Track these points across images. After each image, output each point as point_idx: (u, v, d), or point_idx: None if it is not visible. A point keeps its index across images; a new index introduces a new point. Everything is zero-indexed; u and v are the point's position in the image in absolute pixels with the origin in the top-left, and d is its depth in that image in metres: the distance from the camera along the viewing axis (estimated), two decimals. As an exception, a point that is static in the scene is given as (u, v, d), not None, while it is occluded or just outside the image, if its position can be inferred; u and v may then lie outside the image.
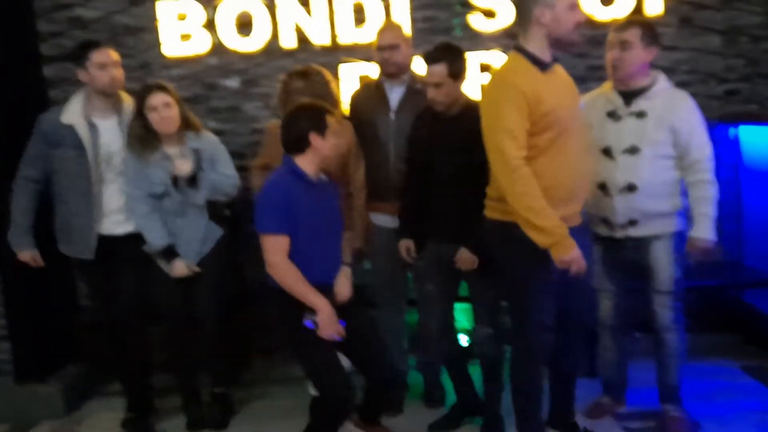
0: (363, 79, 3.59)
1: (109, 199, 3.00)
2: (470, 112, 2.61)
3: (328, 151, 2.61)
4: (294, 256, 2.58)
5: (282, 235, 2.56)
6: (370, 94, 3.12)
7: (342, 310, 2.64)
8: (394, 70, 3.02)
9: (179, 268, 2.98)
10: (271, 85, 3.75)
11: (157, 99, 2.89)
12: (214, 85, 3.82)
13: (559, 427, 2.75)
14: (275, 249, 2.56)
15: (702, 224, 2.68)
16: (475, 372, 2.96)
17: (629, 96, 2.74)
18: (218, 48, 3.74)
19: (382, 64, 3.05)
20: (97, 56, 2.92)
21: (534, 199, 2.27)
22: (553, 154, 2.34)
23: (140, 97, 2.92)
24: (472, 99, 2.80)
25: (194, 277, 3.02)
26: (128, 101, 3.06)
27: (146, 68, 3.76)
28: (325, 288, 2.62)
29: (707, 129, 2.74)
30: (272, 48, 3.74)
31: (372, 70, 3.53)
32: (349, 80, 3.65)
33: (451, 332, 3.00)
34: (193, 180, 2.96)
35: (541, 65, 2.37)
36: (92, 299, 3.15)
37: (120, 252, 3.04)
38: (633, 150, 2.69)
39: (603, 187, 2.74)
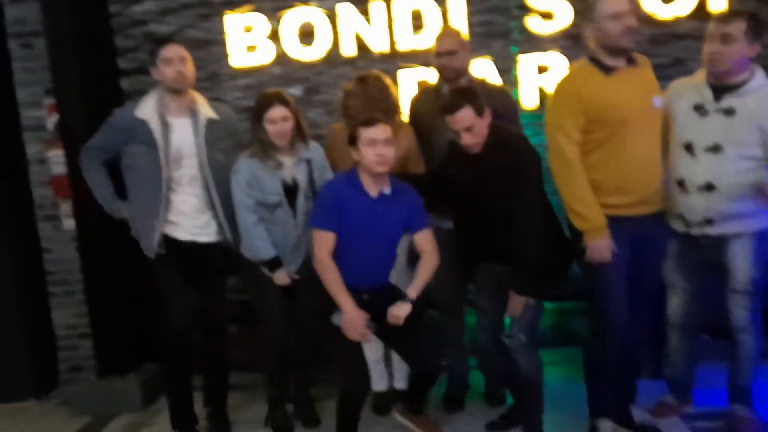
0: (421, 84, 3.66)
1: (181, 203, 3.03)
2: (495, 144, 2.70)
3: (366, 161, 2.70)
4: (335, 256, 2.72)
5: (327, 231, 2.70)
6: (429, 98, 3.17)
7: (383, 311, 2.74)
8: (453, 75, 3.07)
9: (283, 277, 3.02)
10: (332, 92, 3.88)
11: (276, 112, 2.93)
12: (277, 94, 3.97)
13: (617, 418, 2.79)
14: (320, 244, 2.71)
15: None
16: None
17: (720, 91, 2.62)
18: (282, 58, 3.89)
19: (441, 70, 3.11)
20: (164, 52, 2.97)
21: (578, 188, 2.58)
22: (610, 149, 2.58)
23: (260, 106, 2.97)
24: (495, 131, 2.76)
25: (295, 285, 3.05)
26: (204, 104, 3.09)
27: (214, 79, 3.94)
28: (360, 291, 2.74)
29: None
30: (333, 56, 3.87)
31: (430, 75, 3.60)
32: (408, 86, 3.73)
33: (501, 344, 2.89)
34: (296, 191, 2.99)
35: (605, 69, 2.58)
36: (160, 302, 3.13)
37: (201, 260, 3.09)
38: (716, 148, 2.59)
39: (681, 183, 2.67)
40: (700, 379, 3.02)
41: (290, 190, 3.00)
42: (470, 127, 2.67)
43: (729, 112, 2.58)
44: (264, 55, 3.88)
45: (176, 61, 2.97)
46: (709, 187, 2.61)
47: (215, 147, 3.04)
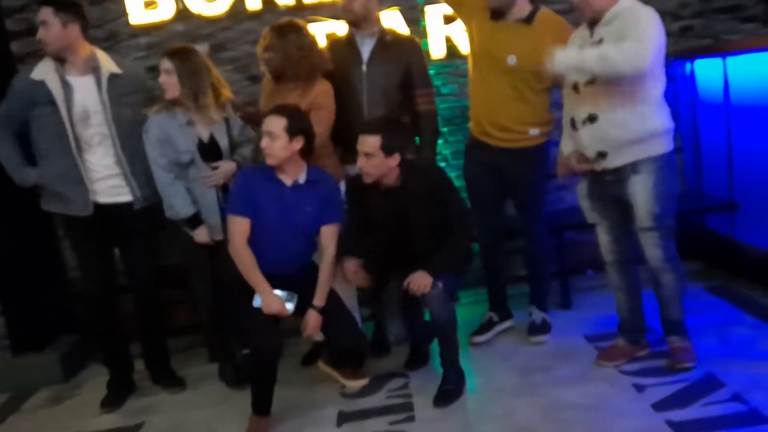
0: (330, 36, 3.64)
1: (96, 163, 2.94)
2: (405, 188, 2.78)
3: (270, 152, 2.69)
4: (255, 245, 2.75)
5: (240, 217, 2.72)
6: (341, 48, 3.17)
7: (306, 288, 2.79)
8: (353, 20, 3.09)
9: (203, 235, 3.01)
10: (239, 48, 3.82)
11: (162, 64, 2.90)
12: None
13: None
14: (234, 230, 2.75)
15: (570, 50, 2.62)
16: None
17: (592, 26, 2.67)
18: (183, 13, 3.77)
19: (342, 13, 3.12)
20: (38, 15, 2.86)
21: None
22: (473, 82, 3.17)
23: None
24: (415, 176, 2.81)
25: (217, 244, 3.01)
26: (106, 59, 2.99)
27: (113, 38, 3.78)
28: (276, 277, 2.76)
29: (665, 64, 2.63)
30: (237, 10, 3.78)
31: (339, 28, 3.59)
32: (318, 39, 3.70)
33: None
34: (218, 148, 2.99)
35: (495, 15, 2.99)
36: (83, 267, 3.13)
37: (123, 221, 3.03)
38: (593, 81, 2.61)
39: (573, 123, 2.74)
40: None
41: (207, 149, 2.97)
42: (369, 154, 2.70)
43: (599, 42, 2.59)
44: (164, 11, 3.75)
45: (40, 26, 2.86)
46: (592, 119, 2.64)
47: (121, 103, 2.95)
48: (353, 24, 3.12)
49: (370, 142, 2.70)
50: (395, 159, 2.74)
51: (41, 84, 2.86)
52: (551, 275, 3.50)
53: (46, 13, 2.84)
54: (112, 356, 3.25)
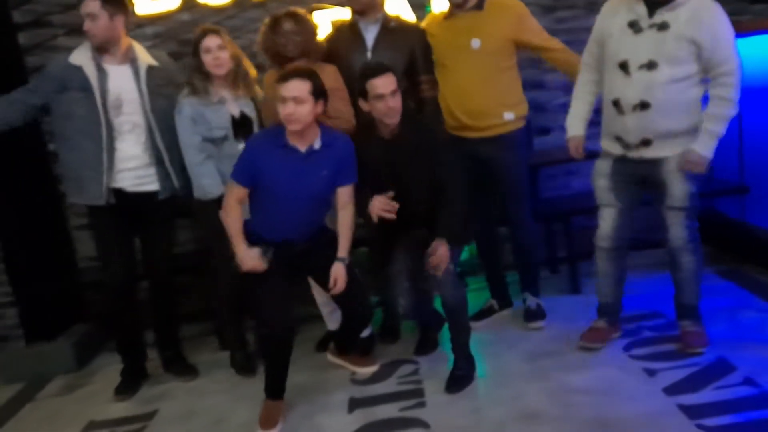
0: (335, 23, 3.62)
1: (125, 151, 2.96)
2: (404, 137, 2.79)
3: (284, 118, 2.65)
4: (257, 210, 2.75)
5: (238, 185, 2.70)
6: (345, 35, 3.16)
7: (320, 258, 2.80)
8: (359, 8, 3.07)
9: None
10: (244, 36, 3.80)
11: (211, 41, 2.93)
12: (188, 41, 3.79)
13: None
14: (229, 192, 2.74)
15: (704, 139, 2.56)
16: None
17: (654, 5, 2.53)
18: (189, 3, 3.77)
19: (350, 2, 3.11)
20: (84, 7, 2.89)
21: None
22: (441, 80, 3.13)
23: (196, 39, 2.97)
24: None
25: None
26: (142, 51, 3.05)
27: (120, 28, 3.77)
28: (294, 244, 2.77)
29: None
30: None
31: (344, 15, 3.57)
32: (323, 26, 3.69)
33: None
34: (250, 123, 3.02)
35: (448, 14, 3.09)
36: (105, 256, 3.11)
37: (146, 211, 3.07)
38: (651, 65, 2.52)
39: (617, 104, 2.63)
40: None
41: (239, 124, 3.00)
42: (395, 92, 2.70)
43: (663, 27, 2.51)
44: (170, 1, 3.74)
45: (86, 18, 2.89)
46: (644, 106, 2.56)
47: (158, 93, 3.00)
48: (358, 12, 3.10)
49: (390, 80, 2.71)
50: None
51: (79, 69, 2.89)
52: (541, 261, 3.51)
53: (94, 6, 2.86)
54: (127, 345, 3.27)
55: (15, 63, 3.67)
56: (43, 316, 3.62)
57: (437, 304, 2.99)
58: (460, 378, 2.82)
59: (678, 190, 2.65)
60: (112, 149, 2.94)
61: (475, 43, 2.99)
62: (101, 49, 2.94)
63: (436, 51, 3.11)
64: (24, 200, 3.55)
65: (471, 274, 3.85)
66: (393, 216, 2.79)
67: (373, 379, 3.00)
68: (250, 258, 2.70)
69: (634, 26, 2.57)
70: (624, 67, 2.59)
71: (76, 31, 3.69)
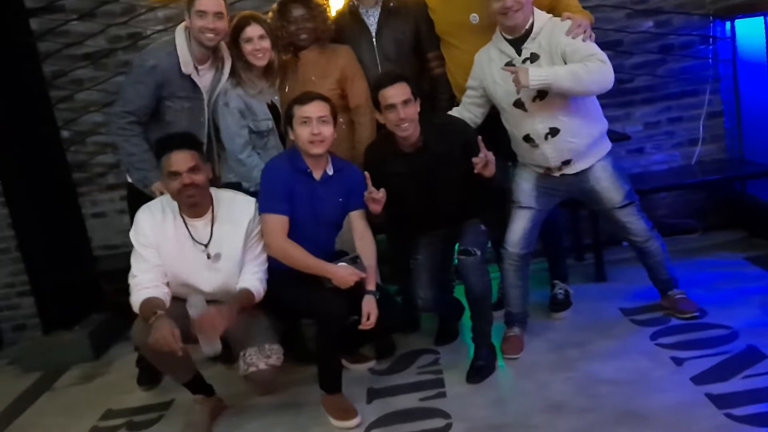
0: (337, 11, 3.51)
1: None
2: (427, 147, 2.69)
3: (301, 142, 2.56)
4: None
5: (280, 215, 2.56)
6: (346, 23, 3.08)
7: None
8: None
9: None
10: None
11: (253, 30, 2.78)
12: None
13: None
14: (274, 230, 2.56)
15: (543, 71, 2.54)
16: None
17: (517, 43, 2.68)
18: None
19: None
20: (198, 3, 2.70)
21: None
22: (446, 53, 3.04)
23: (235, 27, 2.80)
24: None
25: None
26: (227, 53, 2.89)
27: (131, 12, 3.72)
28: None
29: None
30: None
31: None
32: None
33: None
34: (279, 117, 2.92)
35: None
36: None
37: None
38: (542, 95, 2.62)
39: (528, 139, 2.72)
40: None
41: (275, 116, 2.92)
42: (407, 102, 2.59)
43: (533, 58, 2.63)
44: (182, -16, 3.67)
45: (210, 16, 2.69)
46: (554, 132, 2.66)
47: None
48: None
49: (402, 90, 2.59)
50: (418, 105, 2.67)
51: (187, 78, 2.78)
52: (565, 248, 3.44)
53: (222, 5, 2.73)
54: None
55: (27, 49, 3.64)
56: (60, 305, 3.62)
57: (458, 293, 2.91)
58: (482, 368, 2.76)
59: (613, 192, 2.78)
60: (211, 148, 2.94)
61: (474, 18, 2.92)
62: (209, 50, 2.81)
63: (438, 26, 3.04)
64: (39, 189, 3.55)
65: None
66: (378, 209, 2.65)
67: (393, 369, 2.95)
68: (347, 274, 2.57)
69: (511, 66, 2.64)
70: (519, 105, 2.69)
71: (88, 16, 3.69)
